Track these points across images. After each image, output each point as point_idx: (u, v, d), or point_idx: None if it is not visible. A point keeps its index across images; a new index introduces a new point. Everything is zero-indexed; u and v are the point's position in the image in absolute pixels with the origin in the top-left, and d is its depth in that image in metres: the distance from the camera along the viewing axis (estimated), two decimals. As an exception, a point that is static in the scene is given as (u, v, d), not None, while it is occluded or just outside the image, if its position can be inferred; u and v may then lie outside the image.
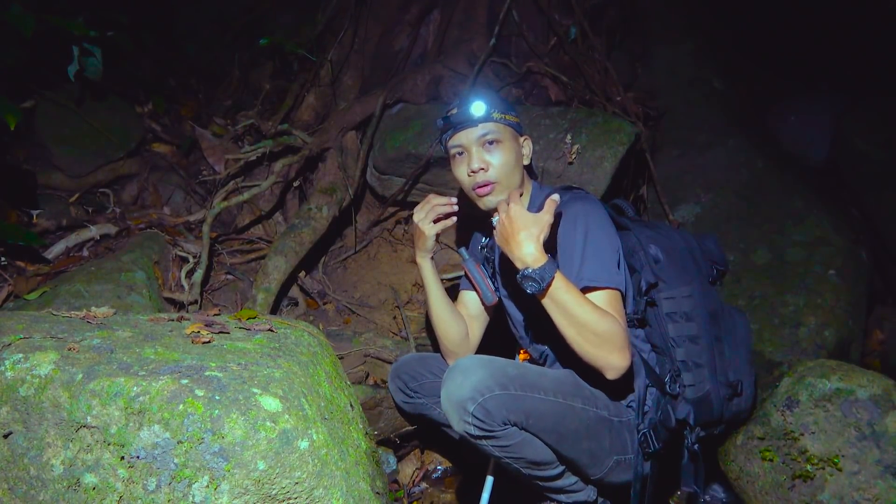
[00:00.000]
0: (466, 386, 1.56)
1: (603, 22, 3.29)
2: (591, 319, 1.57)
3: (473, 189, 1.82)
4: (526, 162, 1.88)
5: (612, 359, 1.58)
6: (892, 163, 3.16)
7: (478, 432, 1.58)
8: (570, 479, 1.77)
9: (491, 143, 1.80)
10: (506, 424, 1.58)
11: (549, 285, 1.57)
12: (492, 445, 1.61)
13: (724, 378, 1.85)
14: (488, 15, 3.13)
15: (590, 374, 1.81)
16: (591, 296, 1.63)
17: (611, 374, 1.60)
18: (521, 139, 1.88)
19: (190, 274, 2.63)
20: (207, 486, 1.24)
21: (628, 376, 1.76)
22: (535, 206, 1.85)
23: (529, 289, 1.59)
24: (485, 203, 1.83)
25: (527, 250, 1.59)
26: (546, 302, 1.60)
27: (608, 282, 1.65)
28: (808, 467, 1.83)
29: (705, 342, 1.81)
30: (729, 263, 1.99)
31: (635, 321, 1.80)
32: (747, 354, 1.93)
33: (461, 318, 2.04)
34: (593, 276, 1.65)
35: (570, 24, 3.16)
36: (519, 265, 1.61)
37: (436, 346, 2.14)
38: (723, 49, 3.64)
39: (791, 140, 3.50)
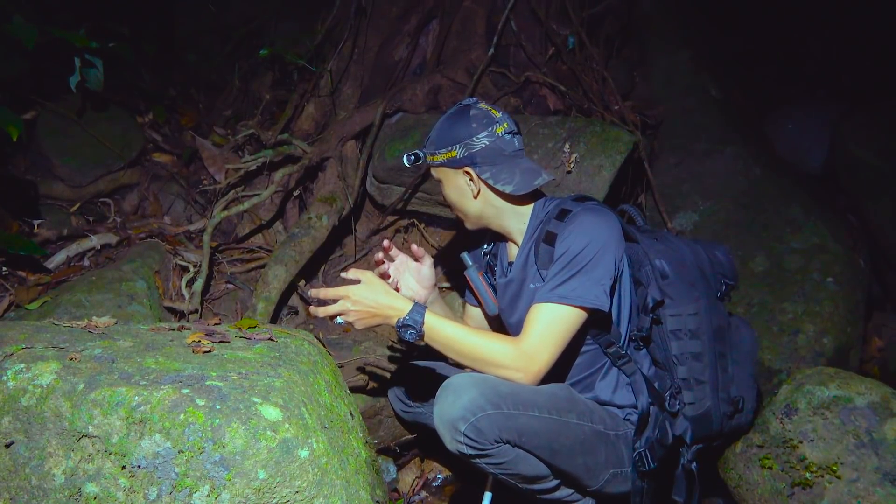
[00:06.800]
0: (458, 405, 1.55)
1: (601, 31, 3.31)
2: (471, 349, 1.65)
3: None
4: (474, 191, 1.79)
5: (509, 376, 1.64)
6: (890, 169, 3.17)
7: (470, 451, 1.57)
8: (566, 491, 1.77)
9: (439, 181, 1.87)
10: (498, 443, 1.57)
11: (422, 325, 1.64)
12: (485, 463, 1.60)
13: (726, 395, 1.83)
14: (487, 25, 3.15)
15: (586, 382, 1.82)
16: (547, 309, 1.64)
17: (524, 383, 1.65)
18: (462, 171, 1.78)
19: (190, 283, 2.64)
20: (208, 496, 1.24)
21: (617, 387, 1.80)
22: (533, 230, 1.82)
23: (409, 336, 1.65)
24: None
25: (390, 308, 1.66)
26: (428, 341, 1.67)
27: (581, 300, 1.63)
28: (808, 475, 1.83)
29: (709, 359, 1.79)
30: (738, 277, 1.94)
31: (639, 339, 1.78)
32: (751, 368, 1.91)
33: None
34: (564, 293, 1.63)
35: (567, 34, 3.18)
36: (395, 321, 1.67)
37: (436, 356, 2.05)
38: (720, 57, 3.66)
39: (788, 147, 3.51)
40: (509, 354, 1.63)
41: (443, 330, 1.66)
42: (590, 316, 1.67)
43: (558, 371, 1.71)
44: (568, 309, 1.63)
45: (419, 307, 1.67)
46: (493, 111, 1.79)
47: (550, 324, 1.63)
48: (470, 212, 1.84)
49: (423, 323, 1.65)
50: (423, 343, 1.69)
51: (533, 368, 1.62)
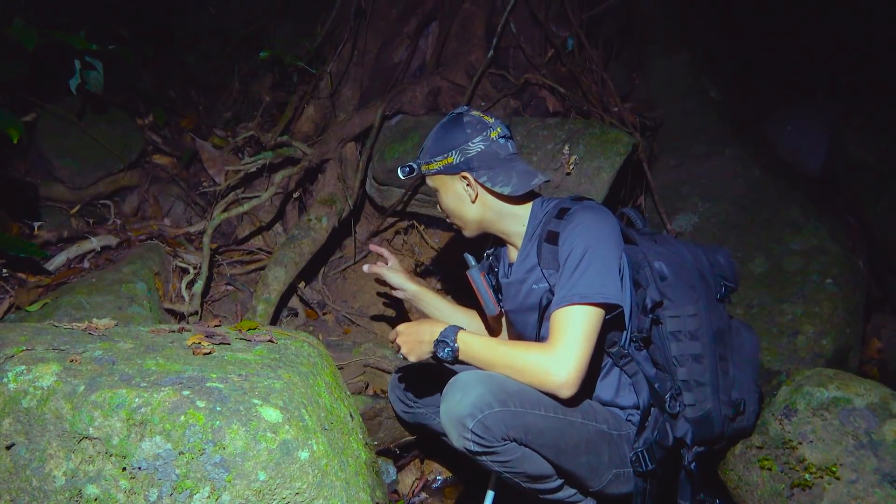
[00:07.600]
0: (465, 402, 1.56)
1: (600, 33, 3.32)
2: (506, 359, 1.64)
3: None
4: (472, 195, 1.81)
5: (547, 386, 1.61)
6: (889, 171, 3.18)
7: (477, 448, 1.57)
8: (569, 491, 1.77)
9: (435, 191, 1.88)
10: (505, 440, 1.57)
11: (456, 341, 1.68)
12: (491, 461, 1.61)
13: (727, 397, 1.83)
14: (486, 27, 3.16)
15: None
16: (569, 311, 1.62)
17: (561, 395, 1.61)
18: (458, 176, 1.81)
19: (190, 285, 2.64)
20: (209, 497, 1.25)
21: (619, 387, 1.79)
22: (533, 230, 1.82)
23: (445, 353, 1.68)
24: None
25: (430, 333, 1.72)
26: (463, 356, 1.69)
27: (601, 297, 1.62)
28: (807, 476, 1.83)
29: (709, 361, 1.79)
30: (739, 280, 1.95)
31: (640, 340, 1.78)
32: (753, 372, 1.91)
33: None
34: (583, 292, 1.62)
35: (567, 36, 3.19)
36: (433, 344, 1.71)
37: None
38: (719, 59, 3.67)
39: (788, 149, 3.52)
40: (544, 361, 1.61)
41: (475, 343, 1.67)
42: (607, 313, 1.66)
43: (589, 372, 1.70)
44: (588, 308, 1.62)
45: (454, 327, 1.70)
46: (485, 117, 1.82)
47: (576, 325, 1.62)
48: (469, 218, 1.85)
49: (455, 339, 1.67)
50: (458, 360, 1.69)
51: (564, 371, 1.59)
